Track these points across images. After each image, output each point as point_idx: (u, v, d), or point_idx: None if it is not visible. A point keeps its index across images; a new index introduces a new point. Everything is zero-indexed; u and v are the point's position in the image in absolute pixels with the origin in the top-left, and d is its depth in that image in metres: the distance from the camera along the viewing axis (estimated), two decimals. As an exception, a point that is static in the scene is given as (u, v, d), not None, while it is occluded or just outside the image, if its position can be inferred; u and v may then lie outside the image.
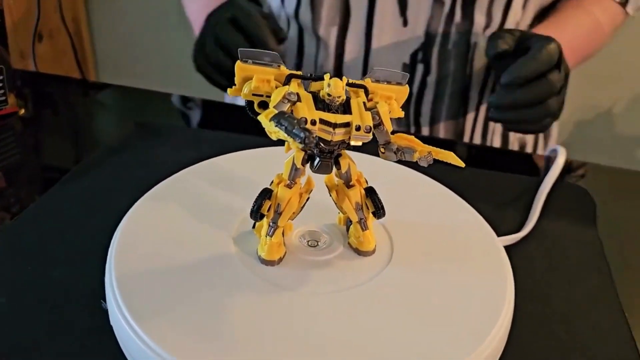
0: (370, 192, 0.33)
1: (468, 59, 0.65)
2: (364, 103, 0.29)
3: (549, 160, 0.56)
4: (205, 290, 0.31)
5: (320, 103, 0.29)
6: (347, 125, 0.28)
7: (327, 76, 0.29)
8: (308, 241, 0.35)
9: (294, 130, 0.25)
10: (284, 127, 0.26)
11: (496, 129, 0.70)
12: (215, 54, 0.55)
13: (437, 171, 0.44)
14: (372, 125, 0.28)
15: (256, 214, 0.32)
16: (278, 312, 0.30)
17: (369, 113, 0.29)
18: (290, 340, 0.28)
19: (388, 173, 0.43)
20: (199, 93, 0.69)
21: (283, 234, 0.34)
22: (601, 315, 0.36)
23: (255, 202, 0.32)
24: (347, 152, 0.31)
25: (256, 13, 0.55)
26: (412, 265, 0.34)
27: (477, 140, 0.70)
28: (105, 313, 0.31)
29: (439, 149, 0.29)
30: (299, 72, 0.30)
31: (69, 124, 0.62)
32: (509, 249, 0.40)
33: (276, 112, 0.27)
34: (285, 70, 0.30)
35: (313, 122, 0.28)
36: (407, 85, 0.31)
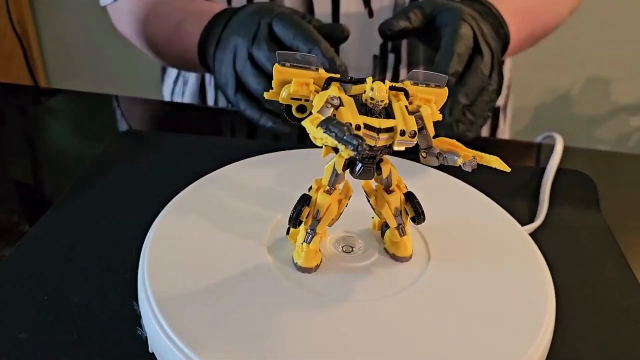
0: (410, 197, 0.32)
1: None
2: (406, 107, 0.29)
3: (541, 147, 0.57)
4: (246, 303, 0.30)
5: (362, 107, 0.28)
6: (391, 130, 0.28)
7: (369, 79, 0.28)
8: (343, 247, 0.34)
9: (345, 137, 0.25)
10: (334, 134, 0.25)
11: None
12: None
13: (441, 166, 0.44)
14: (416, 130, 0.28)
15: (295, 220, 0.31)
16: (319, 321, 0.29)
17: (412, 117, 0.28)
18: (335, 351, 0.27)
19: (403, 171, 0.42)
20: (147, 94, 0.66)
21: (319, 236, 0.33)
22: (626, 298, 0.37)
23: (294, 208, 0.31)
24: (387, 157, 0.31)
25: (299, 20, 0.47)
26: (450, 268, 0.33)
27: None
28: (141, 340, 0.30)
29: (482, 154, 0.29)
30: (338, 75, 0.29)
31: (22, 134, 0.59)
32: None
33: (322, 118, 0.26)
34: (324, 74, 0.29)
35: (358, 127, 0.27)
36: (446, 88, 0.31)
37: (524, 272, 0.34)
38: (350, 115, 0.27)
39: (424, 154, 0.30)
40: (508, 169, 0.29)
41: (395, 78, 0.65)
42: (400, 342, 0.28)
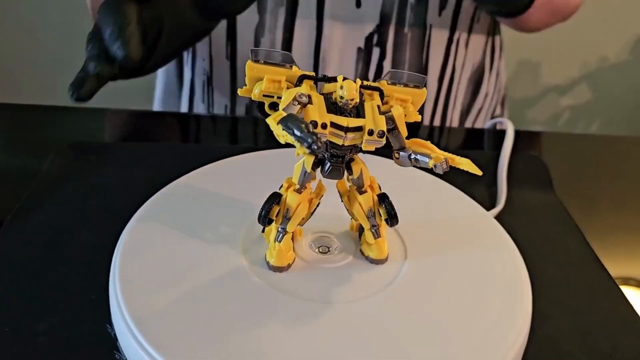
0: (383, 199, 0.31)
1: (424, 43, 0.64)
2: (378, 106, 0.28)
3: (494, 133, 0.59)
4: (223, 310, 0.29)
5: (333, 106, 0.28)
6: (359, 129, 0.28)
7: (340, 78, 0.28)
8: (319, 247, 0.34)
9: (301, 135, 0.24)
10: (291, 131, 0.25)
11: (454, 114, 0.71)
12: None
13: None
14: (385, 130, 0.28)
15: (264, 219, 0.31)
16: (288, 321, 0.29)
17: (383, 117, 0.28)
18: (302, 351, 0.27)
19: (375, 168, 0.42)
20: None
21: (293, 239, 0.33)
22: (589, 276, 0.39)
23: (263, 206, 0.30)
24: (360, 156, 0.31)
25: None
26: (427, 265, 0.33)
27: (437, 124, 0.70)
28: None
29: (454, 156, 0.29)
30: (311, 73, 0.29)
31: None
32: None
33: (285, 114, 0.26)
34: (297, 71, 0.29)
35: (324, 126, 0.27)
36: (425, 89, 0.30)
37: (497, 258, 0.34)
38: (317, 113, 0.27)
39: (396, 155, 0.29)
40: (479, 172, 0.29)
41: (378, 73, 0.64)
42: (374, 342, 0.28)
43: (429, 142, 0.29)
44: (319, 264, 0.33)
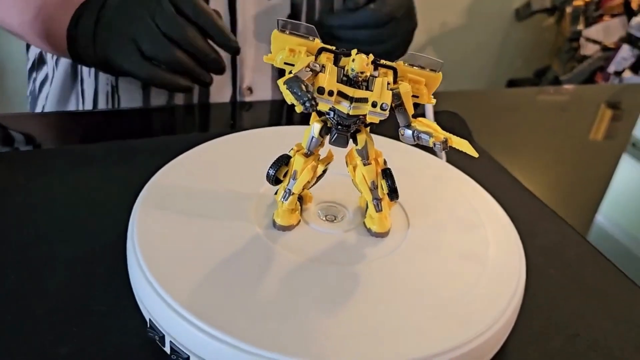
0: (385, 174, 0.33)
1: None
2: (389, 83, 0.29)
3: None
4: (223, 252, 0.31)
5: (346, 77, 0.30)
6: (365, 100, 0.29)
7: (354, 52, 0.30)
8: (326, 215, 0.35)
9: (300, 94, 0.26)
10: (292, 90, 0.27)
11: None
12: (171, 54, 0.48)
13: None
14: (389, 104, 0.29)
15: (272, 177, 0.32)
16: (281, 275, 0.31)
17: (389, 92, 0.29)
18: (289, 304, 0.29)
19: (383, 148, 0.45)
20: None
21: (302, 204, 0.35)
22: (532, 214, 0.45)
23: (271, 165, 0.32)
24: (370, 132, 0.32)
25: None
26: (425, 244, 0.35)
27: None
28: None
29: (454, 137, 0.30)
30: (331, 47, 0.30)
31: None
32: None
33: (292, 76, 0.28)
34: (318, 44, 0.30)
35: (330, 93, 0.28)
36: (440, 73, 0.31)
37: (492, 232, 0.37)
38: (326, 80, 0.28)
39: (401, 132, 0.31)
40: (476, 154, 0.30)
41: None
42: (362, 304, 0.30)
43: (435, 122, 0.31)
44: (323, 229, 0.34)
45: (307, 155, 0.32)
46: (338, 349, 0.27)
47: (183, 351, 0.28)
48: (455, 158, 0.50)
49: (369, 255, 0.33)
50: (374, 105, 0.28)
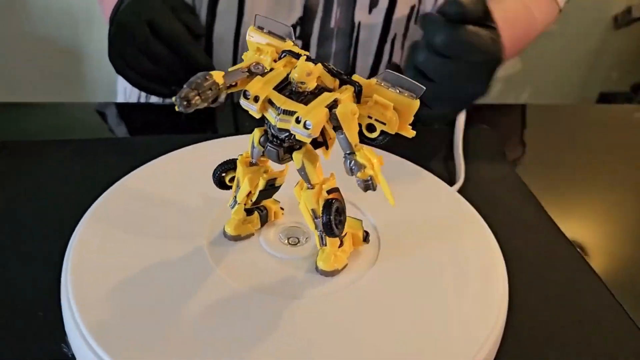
0: (326, 205, 0.27)
1: (352, 40, 0.61)
2: (336, 100, 0.25)
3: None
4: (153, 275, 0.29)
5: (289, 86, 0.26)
6: (293, 114, 0.25)
7: (302, 58, 0.26)
8: (289, 238, 0.32)
9: (185, 87, 0.23)
10: (189, 82, 0.24)
11: None
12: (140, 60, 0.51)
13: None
14: (314, 123, 0.24)
15: (215, 178, 0.30)
16: (206, 302, 0.27)
17: (323, 110, 0.24)
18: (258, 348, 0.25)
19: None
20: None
21: (267, 217, 0.32)
22: (552, 245, 0.39)
23: (219, 166, 0.30)
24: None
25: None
26: (401, 252, 0.32)
27: None
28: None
29: (382, 177, 0.25)
30: (298, 51, 0.27)
31: None
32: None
33: (222, 74, 0.25)
34: (287, 45, 0.27)
35: (256, 99, 0.25)
36: (417, 101, 0.25)
37: (471, 242, 0.33)
38: (259, 84, 0.25)
39: (344, 160, 0.26)
40: (393, 203, 0.26)
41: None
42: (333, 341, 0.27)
43: (378, 160, 0.25)
44: (276, 253, 0.31)
45: (251, 164, 0.29)
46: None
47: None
48: (474, 174, 0.45)
49: (313, 292, 0.28)
50: (297, 121, 0.24)
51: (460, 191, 0.43)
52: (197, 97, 0.23)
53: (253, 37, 0.28)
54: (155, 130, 0.54)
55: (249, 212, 0.31)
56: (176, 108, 0.23)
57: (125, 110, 0.60)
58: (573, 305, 0.34)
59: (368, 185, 0.25)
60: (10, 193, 0.40)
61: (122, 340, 0.25)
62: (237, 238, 0.31)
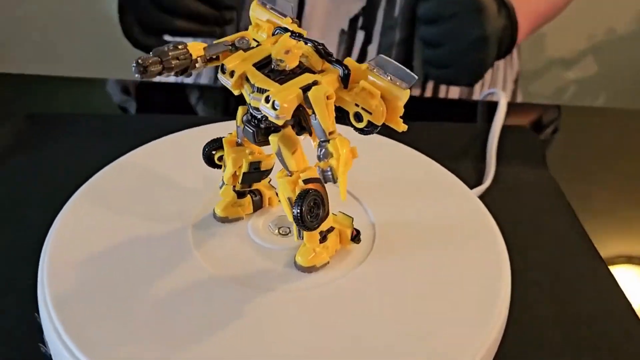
0: (300, 196, 0.24)
1: (416, 28, 0.59)
2: (315, 82, 0.23)
3: (486, 105, 0.55)
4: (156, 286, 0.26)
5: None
6: (265, 92, 0.23)
7: (286, 35, 0.24)
8: (280, 227, 0.30)
9: (151, 53, 0.23)
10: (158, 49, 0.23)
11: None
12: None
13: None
14: (282, 104, 0.22)
15: (204, 155, 0.29)
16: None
17: (296, 91, 0.23)
18: (251, 344, 0.24)
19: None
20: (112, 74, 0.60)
21: (261, 203, 0.31)
22: (579, 260, 0.35)
23: (209, 142, 0.29)
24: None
25: None
26: (398, 240, 0.30)
27: None
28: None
29: (342, 174, 0.23)
30: (292, 28, 0.25)
31: None
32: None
33: (204, 46, 0.24)
34: (284, 23, 0.26)
35: (231, 74, 0.24)
36: (408, 90, 0.23)
37: (477, 244, 0.30)
38: (237, 60, 0.24)
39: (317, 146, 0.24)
40: (344, 199, 0.24)
41: (361, 58, 0.60)
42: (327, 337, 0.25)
43: (349, 152, 0.23)
44: (262, 243, 0.29)
45: (237, 144, 0.28)
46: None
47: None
48: (506, 177, 0.41)
49: (285, 286, 0.26)
50: (267, 100, 0.22)
51: (485, 194, 0.40)
52: (157, 65, 0.23)
53: (255, 12, 0.27)
54: (191, 110, 0.54)
55: (240, 195, 0.30)
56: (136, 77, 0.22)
57: (162, 88, 0.60)
58: (602, 332, 0.30)
59: (327, 176, 0.23)
60: (23, 163, 0.40)
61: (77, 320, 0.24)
62: (224, 220, 0.30)
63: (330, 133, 0.23)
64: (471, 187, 0.39)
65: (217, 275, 0.27)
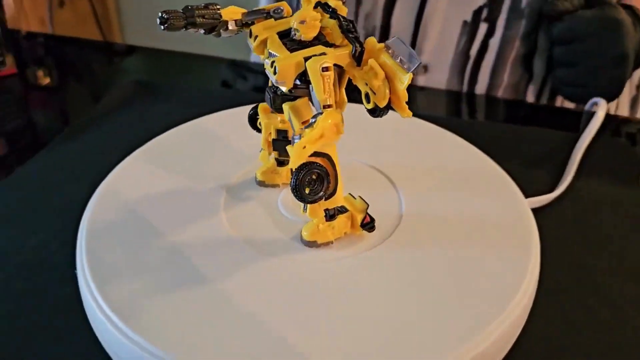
0: (301, 167, 0.24)
1: (543, 21, 0.57)
2: (323, 54, 0.23)
3: (590, 115, 0.50)
4: (187, 253, 0.27)
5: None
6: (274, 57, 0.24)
7: (307, 6, 0.25)
8: (307, 203, 0.31)
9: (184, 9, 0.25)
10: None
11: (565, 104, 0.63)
12: None
13: (462, 127, 0.40)
14: (281, 68, 0.23)
15: (249, 117, 0.30)
16: (257, 276, 0.26)
17: (296, 59, 0.23)
18: (275, 312, 0.24)
19: (411, 126, 0.39)
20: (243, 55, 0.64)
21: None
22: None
23: (253, 107, 0.30)
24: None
25: None
26: (422, 232, 0.29)
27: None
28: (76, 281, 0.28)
29: (305, 146, 0.24)
30: (333, 4, 0.25)
31: (89, 89, 0.59)
32: (538, 211, 0.36)
33: (243, 11, 0.26)
34: None
35: (255, 38, 0.26)
36: (410, 75, 0.22)
37: (509, 241, 0.28)
38: (262, 27, 0.25)
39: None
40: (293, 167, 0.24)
41: (482, 50, 0.58)
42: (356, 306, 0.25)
43: (339, 124, 0.24)
44: (288, 214, 0.30)
45: (271, 111, 0.29)
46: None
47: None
48: (585, 190, 0.38)
49: (295, 257, 0.27)
50: (271, 65, 0.23)
51: (553, 204, 0.37)
52: (180, 20, 0.24)
53: None
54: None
55: (280, 163, 0.31)
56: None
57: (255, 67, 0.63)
58: None
59: (293, 141, 0.24)
60: (124, 120, 0.45)
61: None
62: (262, 184, 0.32)
63: (325, 106, 0.23)
64: (538, 194, 0.37)
65: (232, 236, 0.28)
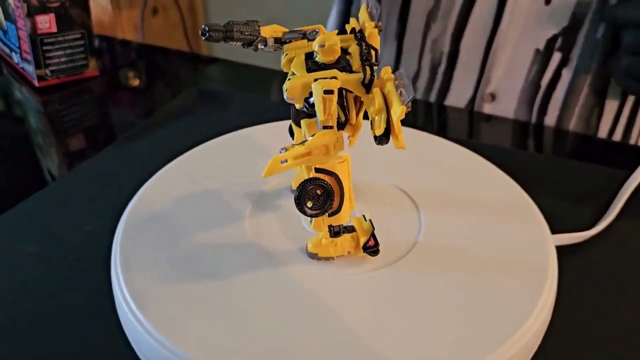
0: (307, 181, 0.25)
1: (619, 58, 0.52)
2: (333, 77, 0.25)
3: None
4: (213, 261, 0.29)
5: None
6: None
7: (333, 32, 0.26)
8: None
9: (232, 23, 0.27)
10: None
11: None
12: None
13: (503, 157, 0.40)
14: (289, 88, 0.25)
15: (289, 127, 0.32)
16: (278, 287, 0.28)
17: (305, 80, 0.25)
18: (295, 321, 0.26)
19: (442, 151, 0.39)
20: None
21: None
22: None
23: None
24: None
25: None
26: (434, 259, 0.29)
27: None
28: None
29: (291, 161, 0.25)
30: (369, 32, 0.27)
31: (172, 93, 0.63)
32: (572, 248, 0.35)
33: (284, 30, 0.28)
34: (367, 25, 0.28)
35: (286, 56, 0.27)
36: (404, 107, 0.23)
37: (523, 277, 0.28)
38: (294, 47, 0.27)
39: None
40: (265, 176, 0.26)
41: (554, 81, 0.57)
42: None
43: (316, 145, 0.25)
44: (307, 225, 0.31)
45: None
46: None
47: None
48: (629, 231, 0.37)
49: (300, 267, 0.28)
50: (284, 84, 0.25)
51: (590, 243, 0.36)
52: (219, 33, 0.26)
53: (361, 13, 0.29)
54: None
55: None
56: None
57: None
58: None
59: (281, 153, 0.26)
60: (182, 125, 0.48)
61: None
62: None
63: (325, 127, 0.24)
64: (575, 231, 0.36)
65: (251, 242, 0.30)
